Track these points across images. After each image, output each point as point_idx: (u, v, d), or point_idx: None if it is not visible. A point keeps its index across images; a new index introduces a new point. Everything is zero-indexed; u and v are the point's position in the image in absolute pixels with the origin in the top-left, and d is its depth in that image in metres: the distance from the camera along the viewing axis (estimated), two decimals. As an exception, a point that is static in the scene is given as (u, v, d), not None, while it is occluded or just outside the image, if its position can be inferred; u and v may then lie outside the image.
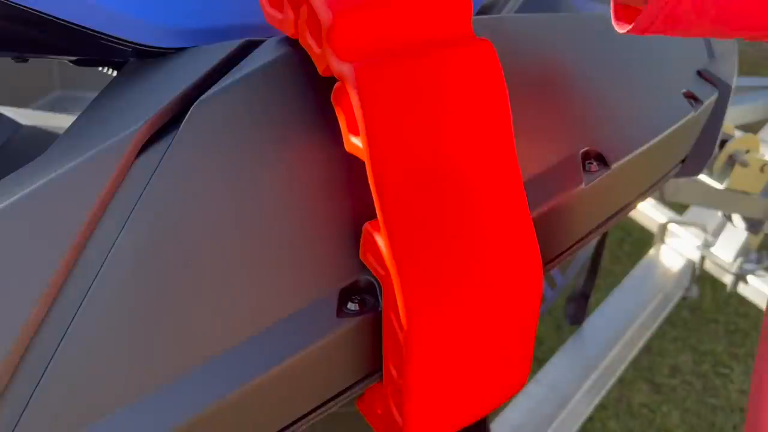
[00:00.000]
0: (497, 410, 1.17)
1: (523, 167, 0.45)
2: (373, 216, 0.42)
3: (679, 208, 1.65)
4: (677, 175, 0.72)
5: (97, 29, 0.46)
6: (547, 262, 0.55)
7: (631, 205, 0.64)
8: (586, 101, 0.58)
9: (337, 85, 0.42)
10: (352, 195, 0.45)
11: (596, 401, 1.27)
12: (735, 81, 0.72)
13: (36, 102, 1.27)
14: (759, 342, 0.67)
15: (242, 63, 0.45)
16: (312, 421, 0.46)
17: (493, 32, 0.53)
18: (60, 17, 0.45)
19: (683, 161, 0.71)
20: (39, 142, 0.69)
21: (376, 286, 0.44)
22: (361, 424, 0.53)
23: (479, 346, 0.45)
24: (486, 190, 0.43)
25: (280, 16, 0.44)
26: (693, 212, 1.59)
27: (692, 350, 1.65)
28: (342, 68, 0.40)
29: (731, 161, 1.17)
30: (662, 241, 1.53)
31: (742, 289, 1.47)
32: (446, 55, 0.42)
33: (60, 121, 0.77)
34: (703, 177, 1.21)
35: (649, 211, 1.57)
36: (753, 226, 1.38)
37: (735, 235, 1.45)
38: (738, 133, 1.17)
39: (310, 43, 0.42)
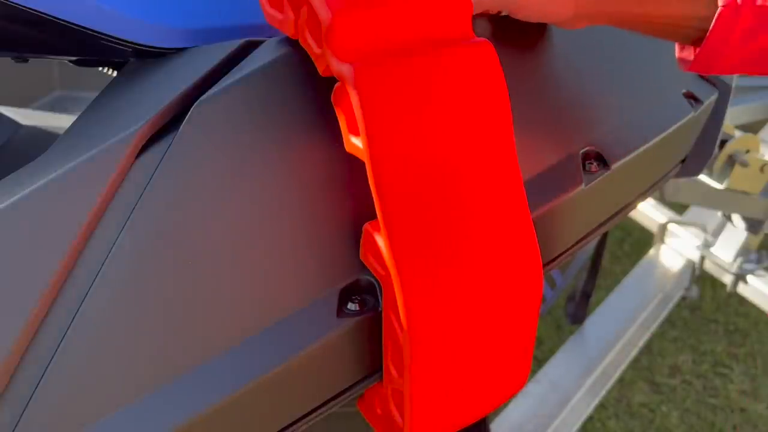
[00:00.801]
0: (497, 410, 1.17)
1: (523, 167, 0.45)
2: (373, 216, 0.42)
3: (679, 208, 1.65)
4: (677, 175, 0.72)
5: (97, 29, 0.46)
6: (547, 262, 0.55)
7: (631, 205, 0.64)
8: (586, 101, 0.58)
9: (337, 85, 0.42)
10: (352, 195, 0.45)
11: (596, 401, 1.27)
12: (735, 81, 0.72)
13: (36, 102, 1.27)
14: None
15: (242, 63, 0.45)
16: (312, 421, 0.46)
17: (493, 32, 0.53)
18: (60, 17, 0.45)
19: (683, 161, 0.71)
20: (39, 142, 0.69)
21: (376, 286, 0.44)
22: (361, 424, 0.53)
23: (479, 346, 0.45)
24: (486, 191, 0.43)
25: (280, 17, 0.44)
26: (693, 212, 1.59)
27: (692, 350, 1.65)
28: (342, 68, 0.40)
29: (731, 161, 1.17)
30: (662, 241, 1.53)
31: (742, 289, 1.47)
32: (446, 55, 0.42)
33: (60, 121, 0.77)
34: (703, 177, 1.21)
35: (649, 211, 1.57)
36: (753, 226, 1.38)
37: (735, 235, 1.45)
38: (738, 133, 1.17)
39: (310, 43, 0.42)
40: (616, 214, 0.62)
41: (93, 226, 0.39)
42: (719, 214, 1.49)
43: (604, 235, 1.35)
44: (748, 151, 1.16)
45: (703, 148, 0.73)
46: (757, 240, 1.44)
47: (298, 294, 0.42)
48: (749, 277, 1.45)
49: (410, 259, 0.41)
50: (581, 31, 0.55)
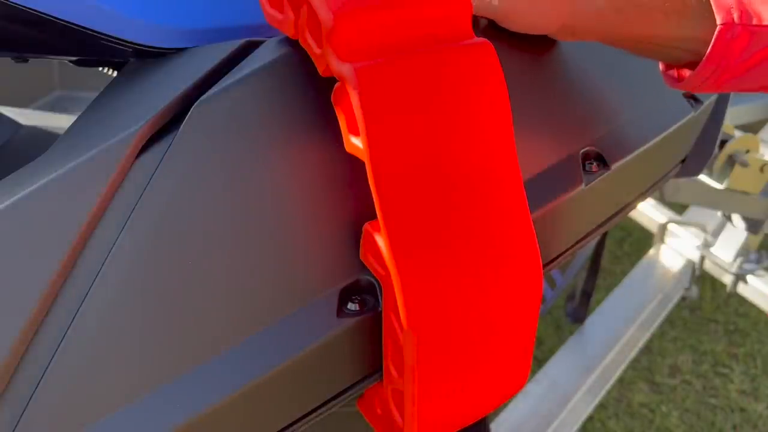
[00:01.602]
0: (497, 410, 1.17)
1: (523, 167, 0.45)
2: (373, 216, 0.42)
3: (679, 208, 1.65)
4: (677, 175, 0.72)
5: (97, 29, 0.46)
6: (547, 262, 0.55)
7: (631, 205, 0.64)
8: (586, 101, 0.58)
9: (337, 85, 0.42)
10: (352, 195, 0.45)
11: (596, 401, 1.27)
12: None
13: (36, 102, 1.27)
14: None
15: (242, 63, 0.45)
16: (312, 421, 0.46)
17: (493, 32, 0.53)
18: (60, 17, 0.45)
19: (683, 161, 0.71)
20: (39, 142, 0.69)
21: (376, 286, 0.44)
22: (361, 424, 0.53)
23: (479, 346, 0.45)
24: (486, 191, 0.43)
25: (281, 17, 0.44)
26: (693, 212, 1.59)
27: (692, 350, 1.65)
28: (342, 69, 0.40)
29: (731, 161, 1.17)
30: (662, 241, 1.53)
31: (741, 289, 1.47)
32: (446, 55, 0.42)
33: (60, 121, 0.77)
34: (703, 177, 1.21)
35: (649, 211, 1.57)
36: (753, 226, 1.38)
37: (735, 235, 1.45)
38: (738, 133, 1.17)
39: (310, 43, 0.42)
40: (616, 214, 0.62)
41: (93, 226, 0.39)
42: (719, 214, 1.49)
43: (604, 235, 1.35)
44: (748, 151, 1.16)
45: (703, 148, 0.73)
46: (757, 240, 1.45)
47: (298, 294, 0.42)
48: (749, 277, 1.45)
49: (410, 259, 0.41)
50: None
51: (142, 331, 0.39)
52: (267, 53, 0.45)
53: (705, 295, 1.78)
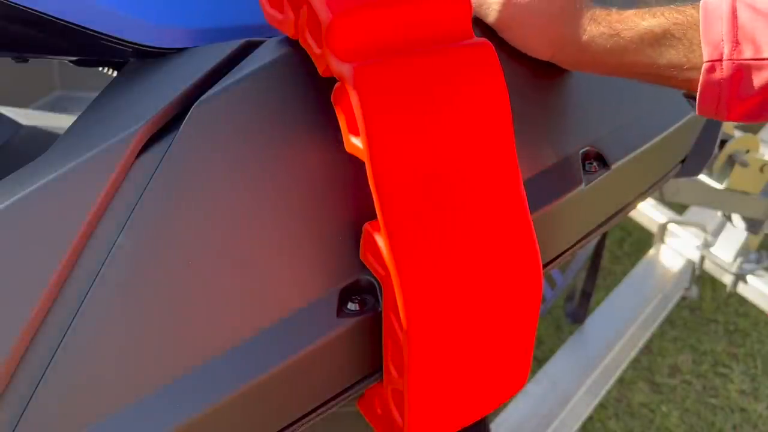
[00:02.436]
0: (497, 410, 1.17)
1: (524, 167, 0.45)
2: (373, 216, 0.42)
3: (679, 208, 1.65)
4: (677, 175, 0.72)
5: (97, 29, 0.46)
6: (547, 262, 0.55)
7: (631, 205, 0.64)
8: (586, 102, 0.58)
9: (337, 85, 0.42)
10: (352, 195, 0.45)
11: (596, 401, 1.27)
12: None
13: (36, 102, 1.27)
14: None
15: (242, 63, 0.45)
16: (312, 421, 0.46)
17: (493, 32, 0.53)
18: (60, 18, 0.45)
19: (683, 161, 0.71)
20: (39, 142, 0.69)
21: (376, 286, 0.44)
22: (361, 424, 0.53)
23: (479, 346, 0.45)
24: (486, 191, 0.43)
25: (281, 17, 0.44)
26: (693, 212, 1.59)
27: (692, 350, 1.65)
28: (342, 69, 0.40)
29: (731, 161, 1.17)
30: (662, 241, 1.53)
31: (741, 289, 1.47)
32: (446, 55, 0.42)
33: (60, 121, 0.77)
34: (703, 177, 1.21)
35: (649, 211, 1.57)
36: (753, 226, 1.38)
37: (735, 235, 1.45)
38: (738, 133, 1.17)
39: (310, 43, 0.42)
40: (616, 214, 0.62)
41: (93, 226, 0.39)
42: (719, 214, 1.49)
43: (604, 235, 1.35)
44: (748, 151, 1.16)
45: (703, 148, 0.73)
46: (757, 240, 1.44)
47: (298, 294, 0.42)
48: (749, 277, 1.45)
49: (410, 259, 0.41)
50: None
51: (142, 331, 0.39)
52: (267, 53, 0.45)
53: (705, 295, 1.78)
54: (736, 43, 0.45)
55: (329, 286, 0.43)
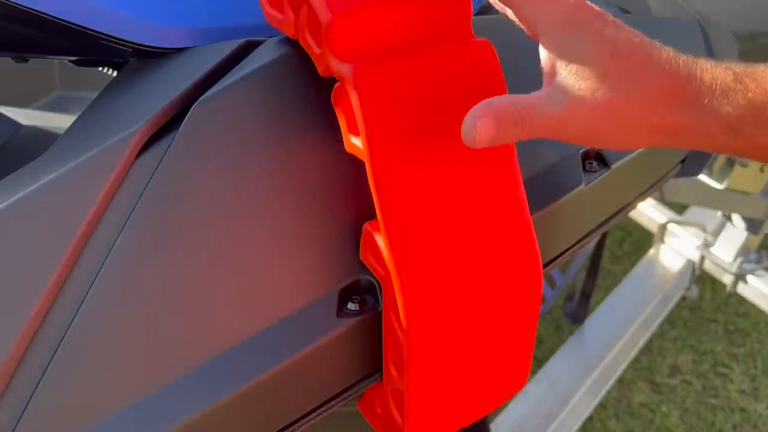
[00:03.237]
0: (497, 410, 1.17)
1: (523, 167, 0.45)
2: (373, 216, 0.42)
3: (679, 208, 1.65)
4: (677, 175, 0.72)
5: (97, 29, 0.46)
6: (547, 262, 0.55)
7: (631, 205, 0.64)
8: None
9: (337, 85, 0.42)
10: (352, 195, 0.45)
11: (596, 401, 1.27)
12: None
13: (36, 102, 1.27)
14: None
15: (242, 63, 0.45)
16: (312, 421, 0.46)
17: (493, 32, 0.53)
18: (60, 17, 0.45)
19: (683, 161, 0.71)
20: (39, 142, 0.69)
21: (376, 286, 0.44)
22: (361, 424, 0.53)
23: (479, 346, 0.45)
24: (486, 190, 0.43)
25: (280, 17, 0.44)
26: (693, 212, 1.59)
27: (692, 350, 1.65)
28: (342, 69, 0.40)
29: (731, 161, 1.17)
30: (662, 241, 1.53)
31: (741, 289, 1.47)
32: (446, 55, 0.42)
33: (60, 121, 0.77)
34: (703, 177, 1.21)
35: (649, 211, 1.57)
36: (753, 226, 1.38)
37: (735, 235, 1.45)
38: (738, 133, 1.17)
39: (310, 43, 0.42)
40: (616, 214, 0.62)
41: (93, 226, 0.39)
42: (719, 214, 1.49)
43: (604, 235, 1.35)
44: (748, 151, 1.16)
45: (703, 148, 0.73)
46: (757, 240, 1.45)
47: (298, 294, 0.42)
48: (749, 277, 1.45)
49: (410, 259, 0.41)
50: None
51: (142, 330, 0.39)
52: (267, 53, 0.45)
53: (705, 295, 1.78)
54: None
55: (329, 286, 0.43)
